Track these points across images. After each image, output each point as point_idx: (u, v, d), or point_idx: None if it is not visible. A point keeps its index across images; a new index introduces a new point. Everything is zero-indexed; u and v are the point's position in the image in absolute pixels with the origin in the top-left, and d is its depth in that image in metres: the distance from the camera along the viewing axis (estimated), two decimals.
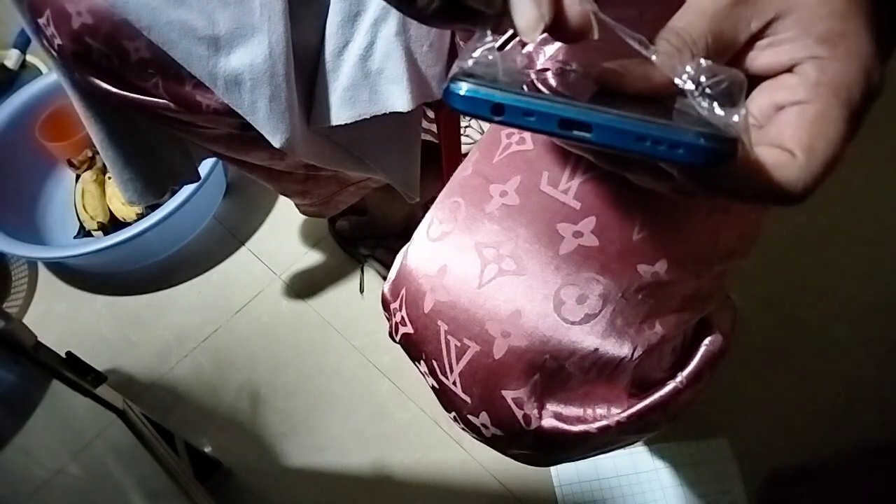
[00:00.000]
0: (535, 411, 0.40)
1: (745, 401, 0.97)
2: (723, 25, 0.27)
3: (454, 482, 0.95)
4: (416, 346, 0.44)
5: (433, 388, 0.45)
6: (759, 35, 0.28)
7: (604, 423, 0.39)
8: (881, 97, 0.27)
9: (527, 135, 0.44)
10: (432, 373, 0.44)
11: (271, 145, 0.54)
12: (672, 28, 0.27)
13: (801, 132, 0.25)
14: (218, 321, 1.12)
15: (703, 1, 0.28)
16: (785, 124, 0.26)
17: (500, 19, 0.27)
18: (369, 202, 1.07)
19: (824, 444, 0.62)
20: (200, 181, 0.83)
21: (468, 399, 0.42)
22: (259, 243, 1.21)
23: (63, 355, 0.70)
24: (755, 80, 0.29)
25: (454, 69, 0.26)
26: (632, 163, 0.28)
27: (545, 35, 0.26)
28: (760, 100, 0.28)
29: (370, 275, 1.13)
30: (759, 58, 0.28)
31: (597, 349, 0.39)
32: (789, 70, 0.27)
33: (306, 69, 0.56)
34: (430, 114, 0.77)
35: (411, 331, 0.44)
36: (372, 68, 0.55)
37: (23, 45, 1.39)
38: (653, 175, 0.27)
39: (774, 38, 0.27)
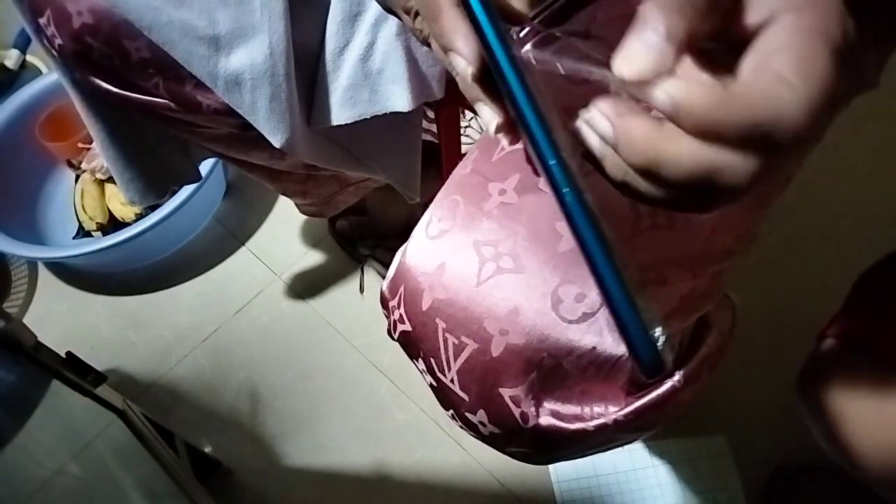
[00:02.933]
0: (533, 409, 0.40)
1: (743, 399, 0.97)
2: None
3: (454, 482, 0.95)
4: (414, 344, 0.44)
5: (431, 385, 0.45)
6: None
7: (601, 421, 0.40)
8: (881, 93, 0.26)
9: None
10: (430, 370, 0.44)
11: (272, 145, 0.54)
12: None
13: (790, 64, 0.24)
14: (218, 321, 1.12)
15: None
16: (768, 60, 0.24)
17: None
18: (369, 202, 1.08)
19: None
20: (200, 181, 0.83)
21: (466, 397, 0.42)
22: (259, 243, 1.21)
23: (63, 355, 0.70)
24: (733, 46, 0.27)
25: None
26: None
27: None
28: (751, 60, 0.26)
29: (370, 275, 1.13)
30: (735, 20, 0.26)
31: (594, 347, 0.39)
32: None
33: (307, 69, 0.56)
34: (430, 114, 0.77)
35: (409, 328, 0.44)
36: (372, 68, 0.55)
37: (23, 45, 1.39)
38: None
39: None
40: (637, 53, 0.24)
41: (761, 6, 0.25)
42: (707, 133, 0.24)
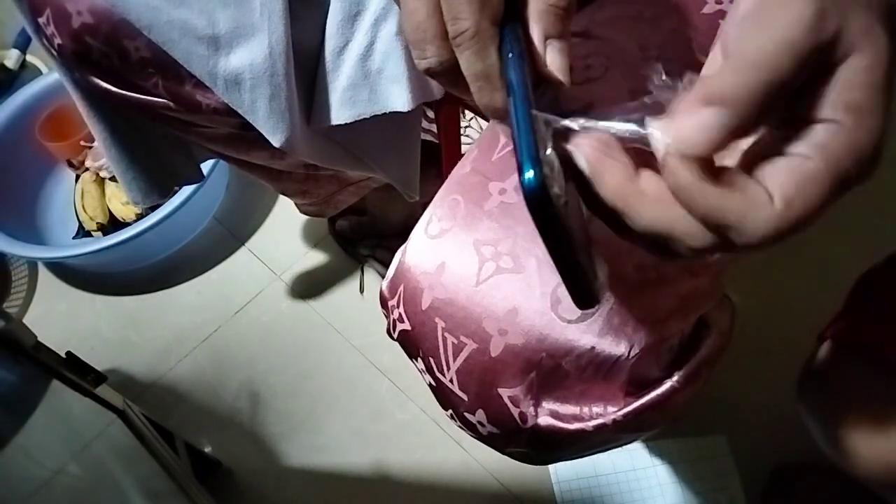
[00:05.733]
0: (532, 409, 0.40)
1: (743, 399, 0.97)
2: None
3: (454, 482, 0.95)
4: (413, 344, 0.44)
5: (430, 385, 0.45)
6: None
7: (600, 421, 0.40)
8: None
9: None
10: (429, 370, 0.44)
11: (271, 145, 0.54)
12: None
13: (788, 183, 0.25)
14: (218, 321, 1.12)
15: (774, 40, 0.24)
16: (776, 170, 0.25)
17: None
18: (369, 202, 1.08)
19: None
20: (201, 181, 0.83)
21: (465, 396, 0.42)
22: (259, 243, 1.21)
23: (63, 355, 0.70)
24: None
25: None
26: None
27: None
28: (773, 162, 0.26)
29: (370, 275, 1.13)
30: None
31: (593, 347, 0.39)
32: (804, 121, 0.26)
33: (306, 69, 0.56)
34: (430, 114, 0.77)
35: (409, 328, 0.44)
36: (372, 68, 0.55)
37: (23, 45, 1.39)
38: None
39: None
40: (692, 132, 0.25)
41: (828, 106, 0.25)
42: (678, 196, 0.25)
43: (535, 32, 0.29)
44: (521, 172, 0.25)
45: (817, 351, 0.56)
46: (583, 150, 0.26)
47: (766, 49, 0.24)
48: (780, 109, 0.26)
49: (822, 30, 0.24)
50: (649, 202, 0.26)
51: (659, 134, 0.25)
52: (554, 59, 0.29)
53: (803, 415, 0.56)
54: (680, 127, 0.25)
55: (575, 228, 0.26)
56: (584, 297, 0.28)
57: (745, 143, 0.27)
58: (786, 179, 0.25)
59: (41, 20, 0.52)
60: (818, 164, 0.25)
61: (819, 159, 0.25)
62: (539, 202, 0.25)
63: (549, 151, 0.26)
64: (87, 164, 1.20)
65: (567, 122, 0.27)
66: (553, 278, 0.40)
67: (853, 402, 0.50)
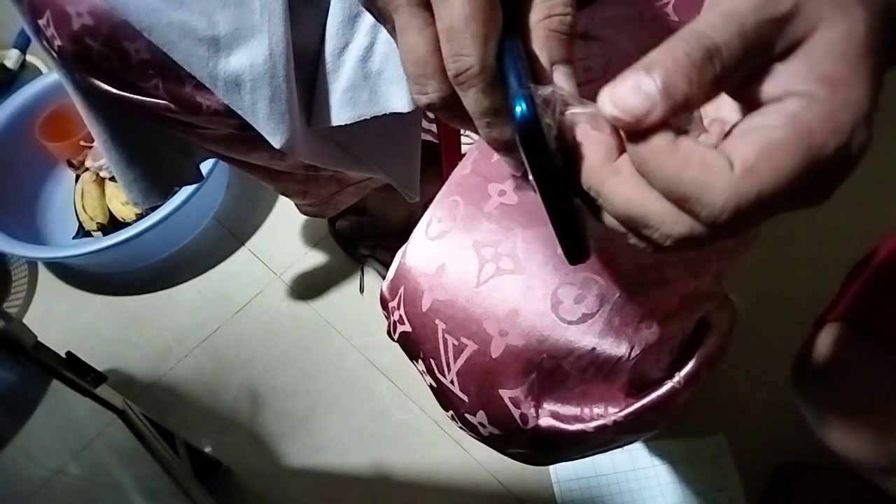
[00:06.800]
0: (532, 410, 0.40)
1: (743, 399, 0.97)
2: (752, 42, 0.24)
3: (454, 482, 0.95)
4: (413, 345, 0.44)
5: (431, 386, 0.45)
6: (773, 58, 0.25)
7: (601, 422, 0.40)
8: (882, 92, 0.24)
9: None
10: (430, 371, 0.44)
11: (271, 146, 0.54)
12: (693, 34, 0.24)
13: (750, 150, 0.23)
14: (218, 321, 1.12)
15: (730, 5, 0.24)
16: (740, 140, 0.24)
17: None
18: (369, 202, 1.08)
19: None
20: (201, 181, 0.83)
21: (465, 398, 0.42)
22: (259, 243, 1.21)
23: (63, 355, 0.70)
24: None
25: None
26: None
27: None
28: (738, 118, 0.25)
29: (370, 275, 1.13)
30: (755, 82, 0.25)
31: (594, 348, 0.39)
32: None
33: (306, 70, 0.56)
34: (430, 114, 0.77)
35: (409, 329, 0.44)
36: (372, 69, 0.55)
37: (23, 45, 1.39)
38: None
39: (780, 64, 0.25)
40: (626, 94, 0.24)
41: (782, 80, 0.24)
42: (640, 170, 0.24)
43: (543, 59, 0.28)
44: (512, 106, 0.24)
45: (815, 336, 0.56)
46: (570, 122, 0.26)
47: (709, 20, 0.24)
48: (731, 81, 0.24)
49: (774, 3, 0.23)
50: (623, 180, 0.25)
51: (605, 98, 0.24)
52: (562, 86, 0.29)
53: (799, 402, 0.56)
54: (617, 89, 0.24)
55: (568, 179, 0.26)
56: (576, 248, 0.27)
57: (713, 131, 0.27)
58: (748, 147, 0.23)
59: (41, 22, 0.52)
60: (786, 132, 0.23)
61: (788, 128, 0.23)
62: (530, 132, 0.24)
63: (542, 92, 0.26)
64: (87, 164, 1.20)
65: (549, 90, 0.26)
66: (553, 279, 0.40)
67: (856, 385, 0.50)
